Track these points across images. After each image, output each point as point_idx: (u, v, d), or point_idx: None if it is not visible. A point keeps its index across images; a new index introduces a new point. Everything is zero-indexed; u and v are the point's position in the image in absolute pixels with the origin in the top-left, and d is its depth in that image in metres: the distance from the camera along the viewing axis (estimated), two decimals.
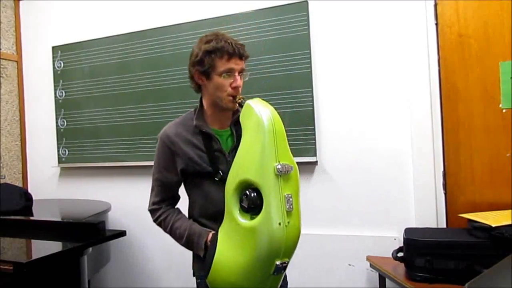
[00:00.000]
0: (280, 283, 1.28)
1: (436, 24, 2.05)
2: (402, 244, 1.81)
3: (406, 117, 2.10)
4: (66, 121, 2.90)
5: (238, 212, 1.21)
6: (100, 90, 2.78)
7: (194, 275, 1.44)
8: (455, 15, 2.01)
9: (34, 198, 2.57)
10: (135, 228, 2.70)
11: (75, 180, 2.94)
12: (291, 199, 1.16)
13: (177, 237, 1.37)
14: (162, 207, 1.41)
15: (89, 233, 1.95)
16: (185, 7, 2.56)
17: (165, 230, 1.40)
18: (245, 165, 1.22)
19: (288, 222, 1.14)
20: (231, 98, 1.30)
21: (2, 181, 2.89)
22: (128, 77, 2.68)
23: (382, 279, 1.95)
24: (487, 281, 1.16)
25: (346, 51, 2.22)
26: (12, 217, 2.26)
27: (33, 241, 1.98)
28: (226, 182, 1.26)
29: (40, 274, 1.64)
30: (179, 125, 1.40)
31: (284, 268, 1.19)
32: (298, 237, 1.20)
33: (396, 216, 2.11)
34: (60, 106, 2.92)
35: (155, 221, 1.42)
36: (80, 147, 2.85)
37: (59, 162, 2.93)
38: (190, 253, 1.43)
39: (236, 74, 1.30)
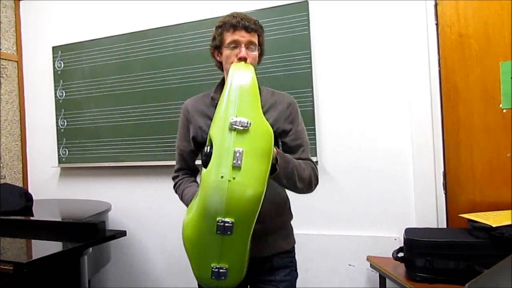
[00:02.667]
0: (235, 249, 1.18)
1: (437, 24, 2.05)
2: (402, 244, 1.81)
3: (406, 117, 2.10)
4: (66, 121, 2.90)
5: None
6: (100, 90, 2.78)
7: None
8: (455, 15, 2.01)
9: (34, 198, 2.56)
10: (135, 228, 2.70)
11: (75, 180, 2.95)
12: (240, 155, 1.10)
13: (186, 204, 1.40)
14: (179, 175, 1.50)
15: (89, 233, 1.95)
16: (185, 7, 2.56)
17: (179, 198, 1.46)
18: (212, 122, 1.22)
19: (234, 178, 1.09)
20: None
21: (2, 181, 2.89)
22: (128, 77, 2.68)
23: (382, 279, 1.95)
24: (487, 281, 1.15)
25: (346, 51, 2.22)
26: (12, 217, 2.25)
27: (33, 241, 1.98)
28: None
29: (40, 274, 1.64)
30: (198, 98, 1.49)
31: (227, 228, 1.11)
32: (248, 198, 1.11)
33: (397, 216, 2.11)
34: (60, 106, 2.92)
35: (174, 188, 1.51)
36: (80, 147, 2.85)
37: (59, 162, 2.93)
38: None
39: (242, 45, 1.32)
